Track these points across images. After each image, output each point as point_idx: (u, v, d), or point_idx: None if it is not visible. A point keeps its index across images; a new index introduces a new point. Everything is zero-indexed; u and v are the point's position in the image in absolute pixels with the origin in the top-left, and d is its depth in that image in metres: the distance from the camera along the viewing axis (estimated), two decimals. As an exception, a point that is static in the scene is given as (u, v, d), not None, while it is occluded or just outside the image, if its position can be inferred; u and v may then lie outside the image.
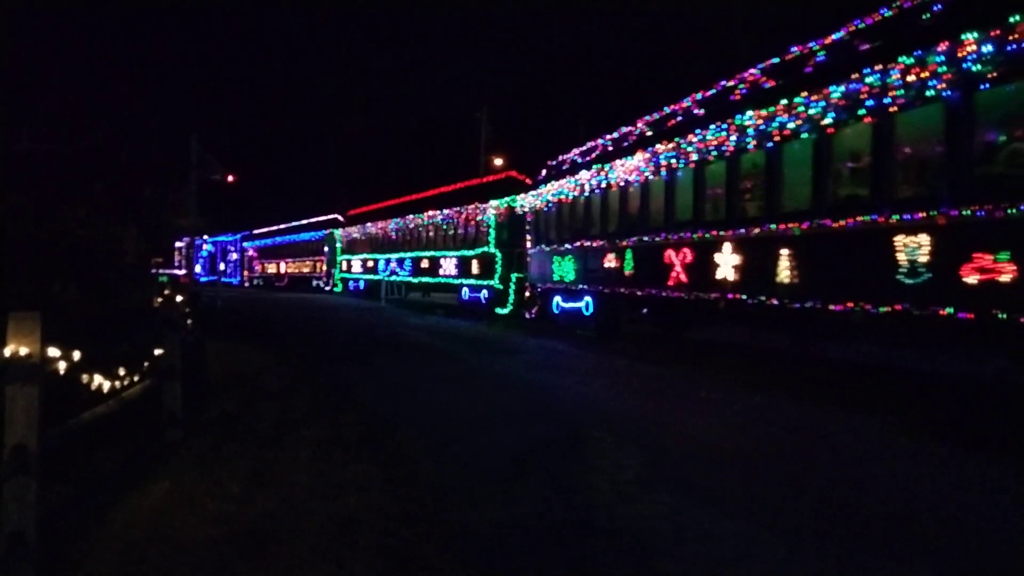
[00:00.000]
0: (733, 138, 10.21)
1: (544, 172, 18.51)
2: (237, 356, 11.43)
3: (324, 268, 38.83)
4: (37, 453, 3.26)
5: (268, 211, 54.79)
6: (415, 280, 27.49)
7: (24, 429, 3.24)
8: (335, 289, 37.26)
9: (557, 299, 17.18)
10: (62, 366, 4.44)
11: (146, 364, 6.18)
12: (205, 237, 55.26)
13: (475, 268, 22.36)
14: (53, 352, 4.12)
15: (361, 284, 33.67)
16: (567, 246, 16.33)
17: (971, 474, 5.30)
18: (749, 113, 9.82)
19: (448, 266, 24.43)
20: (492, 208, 21.48)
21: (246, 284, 52.19)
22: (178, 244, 58.40)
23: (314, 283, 40.25)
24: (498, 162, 36.53)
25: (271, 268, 47.72)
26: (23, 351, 3.27)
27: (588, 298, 15.46)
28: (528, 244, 19.21)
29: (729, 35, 27.19)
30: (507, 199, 20.98)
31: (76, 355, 4.55)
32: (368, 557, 3.66)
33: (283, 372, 10.00)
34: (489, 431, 6.54)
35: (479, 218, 22.27)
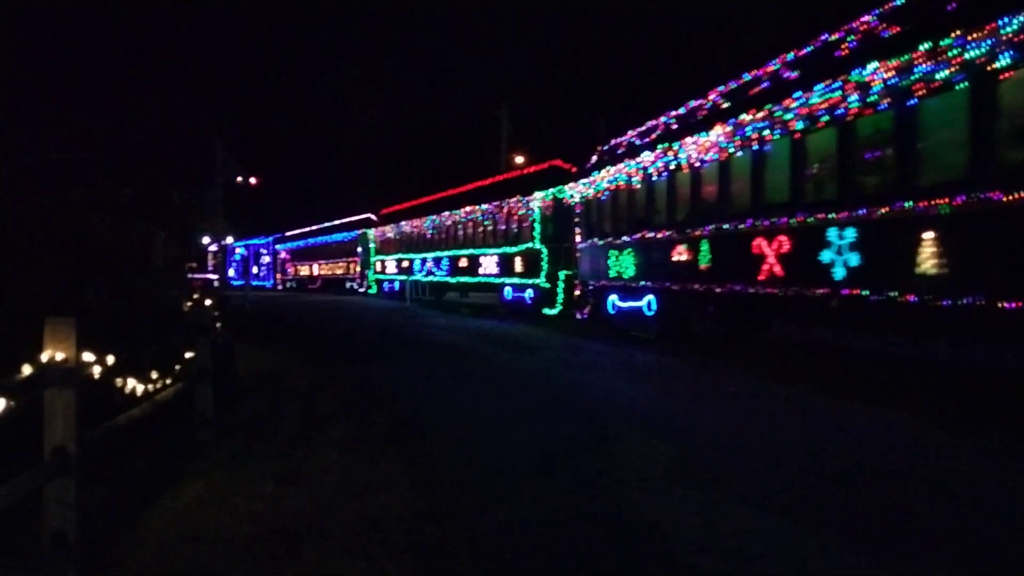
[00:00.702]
0: (851, 98, 8.43)
1: (595, 158, 16.78)
2: (265, 358, 11.57)
3: (358, 269, 37.72)
4: (76, 455, 3.34)
5: (298, 214, 54.84)
6: (453, 280, 25.96)
7: (63, 432, 3.33)
8: (370, 291, 35.99)
9: (612, 298, 15.43)
10: (96, 370, 4.54)
11: (177, 367, 6.29)
12: (230, 240, 55.63)
13: (519, 266, 20.84)
14: (88, 356, 4.21)
15: (396, 285, 32.44)
16: (625, 239, 14.54)
17: (1014, 469, 5.22)
18: (872, 66, 8.05)
19: (489, 264, 22.94)
20: (536, 200, 19.90)
21: (279, 287, 51.73)
22: (212, 248, 58.88)
23: (348, 285, 39.11)
24: (519, 159, 36.46)
25: (304, 270, 47.09)
26: (59, 356, 3.35)
27: (650, 296, 13.76)
28: (578, 238, 17.41)
29: (746, 29, 26.91)
30: (553, 190, 19.27)
31: (110, 359, 4.64)
32: (398, 554, 3.70)
33: (309, 373, 10.12)
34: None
35: (522, 212, 20.77)
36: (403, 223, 31.47)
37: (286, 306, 29.28)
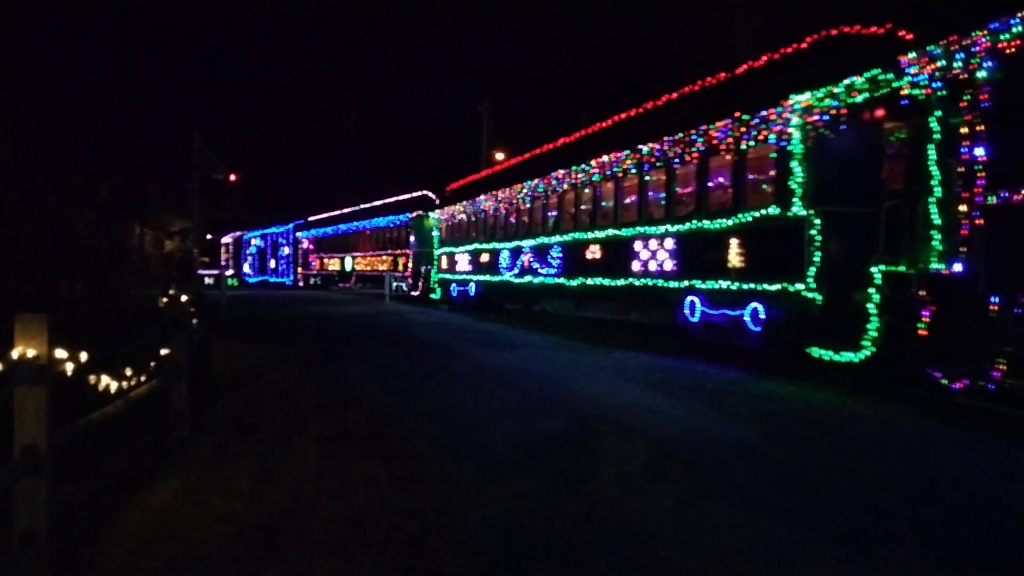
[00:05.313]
0: None
1: None
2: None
3: (409, 265, 28.58)
4: (47, 454, 3.28)
5: (312, 203, 47.00)
6: (570, 283, 15.59)
7: (34, 430, 3.26)
8: (432, 295, 25.91)
9: None
10: (69, 367, 4.46)
11: (152, 364, 6.21)
12: (221, 236, 52.39)
13: (734, 255, 10.55)
14: (60, 353, 4.14)
15: (472, 289, 22.42)
16: None
17: (985, 459, 5.28)
18: None
19: (653, 255, 12.56)
20: (792, 117, 9.41)
21: (300, 283, 42.70)
22: (224, 240, 53.70)
23: (394, 286, 29.48)
24: (499, 156, 36.35)
25: (332, 264, 38.17)
26: (31, 353, 3.28)
27: None
28: (980, 186, 6.81)
29: (729, 25, 27.03)
30: (840, 87, 8.75)
31: (83, 356, 4.56)
32: (377, 552, 3.67)
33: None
34: None
35: (747, 146, 10.38)
36: (481, 198, 21.54)
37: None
